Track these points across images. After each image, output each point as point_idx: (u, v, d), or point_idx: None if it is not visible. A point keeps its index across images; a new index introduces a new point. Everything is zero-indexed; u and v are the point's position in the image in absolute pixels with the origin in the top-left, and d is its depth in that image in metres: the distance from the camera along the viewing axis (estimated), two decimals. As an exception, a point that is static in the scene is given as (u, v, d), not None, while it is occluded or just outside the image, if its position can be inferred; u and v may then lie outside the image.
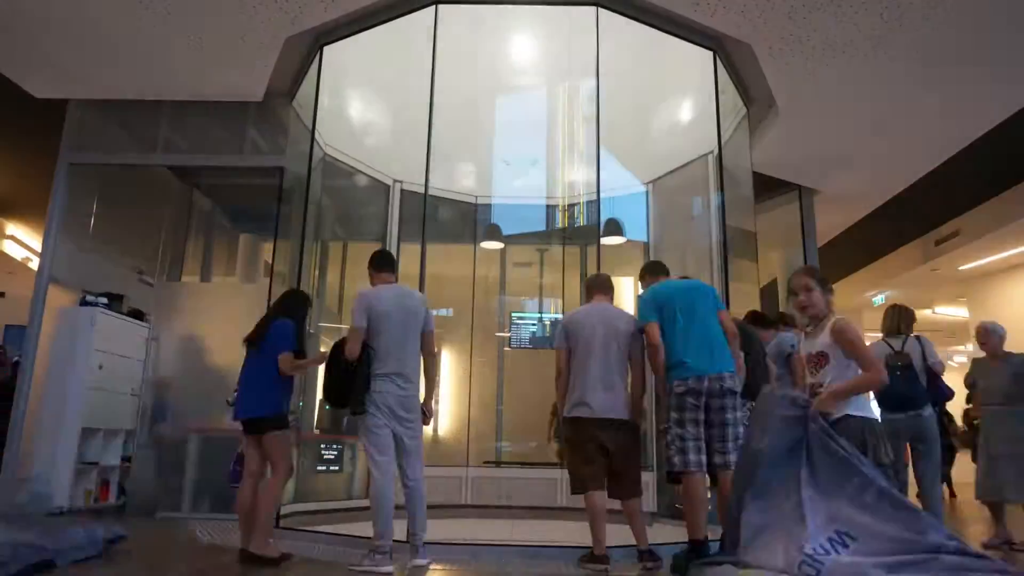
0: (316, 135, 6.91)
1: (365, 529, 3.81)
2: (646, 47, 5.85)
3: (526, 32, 6.26)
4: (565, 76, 7.00)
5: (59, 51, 5.31)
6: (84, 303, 6.10)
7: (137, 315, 6.56)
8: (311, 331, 7.81)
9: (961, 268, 9.38)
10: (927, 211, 8.65)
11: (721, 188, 5.44)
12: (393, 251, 7.88)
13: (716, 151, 6.81)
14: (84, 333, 5.94)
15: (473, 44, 6.05)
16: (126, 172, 6.83)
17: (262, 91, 5.86)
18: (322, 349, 7.89)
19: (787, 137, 6.45)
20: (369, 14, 5.09)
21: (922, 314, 11.60)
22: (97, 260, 6.79)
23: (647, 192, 7.99)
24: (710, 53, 5.53)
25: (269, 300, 5.86)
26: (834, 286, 10.52)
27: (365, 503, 6.99)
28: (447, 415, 8.67)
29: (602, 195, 8.44)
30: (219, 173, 7.30)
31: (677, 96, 6.92)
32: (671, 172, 7.58)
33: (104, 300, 6.34)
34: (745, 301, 6.97)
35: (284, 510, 5.96)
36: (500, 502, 7.50)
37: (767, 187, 7.88)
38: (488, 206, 8.66)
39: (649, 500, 7.27)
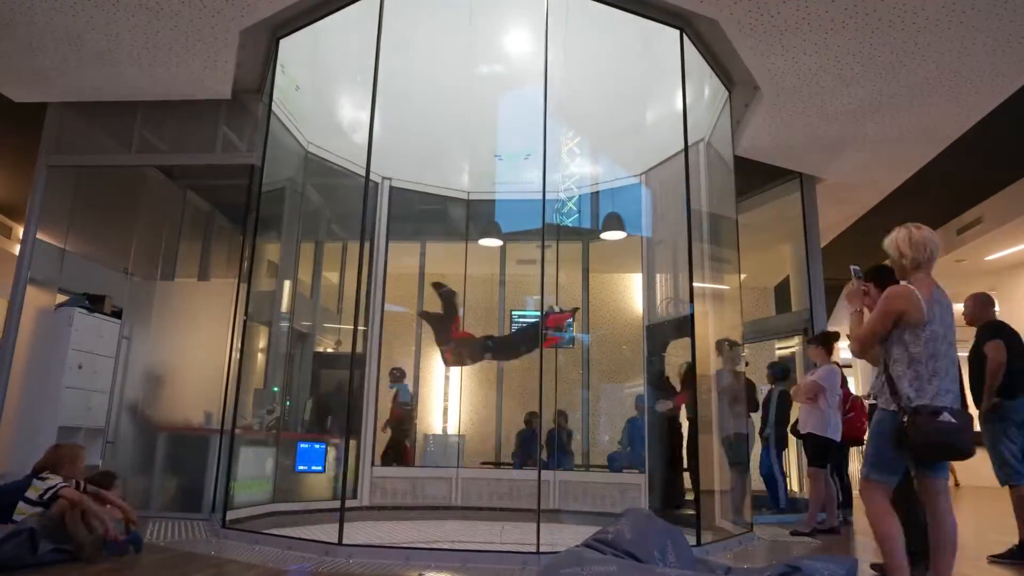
0: (297, 134, 6.91)
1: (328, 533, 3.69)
2: (637, 35, 5.62)
3: (515, 21, 6.10)
4: (558, 67, 6.78)
5: (24, 55, 5.36)
6: (64, 304, 6.19)
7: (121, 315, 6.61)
8: (306, 332, 7.81)
9: (988, 258, 8.80)
10: (946, 198, 8.15)
11: (687, 175, 5.19)
12: (381, 250, 7.80)
13: (707, 137, 6.55)
14: (62, 333, 6.02)
15: (460, 35, 5.90)
16: (117, 175, 6.91)
17: (228, 88, 5.82)
18: (321, 350, 7.90)
19: (775, 120, 6.12)
20: (319, 4, 4.99)
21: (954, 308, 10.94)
22: (85, 261, 6.89)
23: (640, 183, 7.73)
24: (694, 37, 5.31)
25: (237, 299, 5.83)
26: (854, 281, 10.03)
27: (350, 504, 6.96)
28: (440, 417, 8.55)
29: (599, 187, 8.35)
30: (213, 175, 7.34)
31: (667, 84, 6.66)
32: (663, 162, 7.31)
33: (86, 300, 6.42)
34: (733, 295, 6.66)
35: (260, 510, 5.93)
36: (492, 504, 7.34)
37: (768, 176, 7.53)
38: (481, 202, 8.50)
39: (642, 503, 7.01)
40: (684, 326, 6.77)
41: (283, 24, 5.22)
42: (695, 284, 6.71)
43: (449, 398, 9.34)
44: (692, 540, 4.35)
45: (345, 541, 3.95)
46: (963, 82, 5.41)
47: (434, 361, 9.32)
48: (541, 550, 3.72)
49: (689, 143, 6.62)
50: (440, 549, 3.86)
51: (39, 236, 6.16)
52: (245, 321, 5.10)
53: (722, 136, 6.26)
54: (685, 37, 5.21)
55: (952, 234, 8.66)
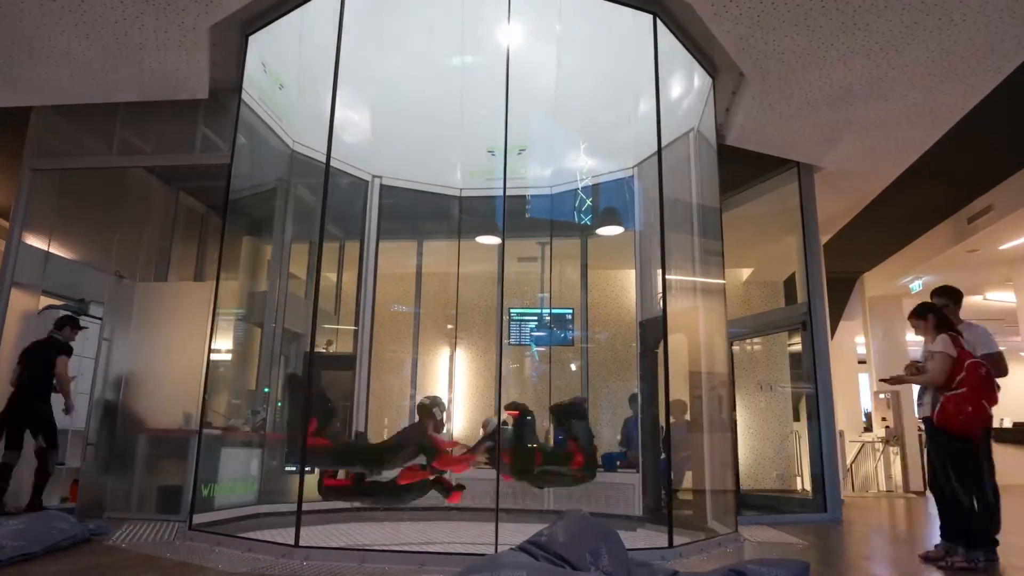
0: (282, 133, 6.87)
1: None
2: (630, 26, 5.49)
3: (505, 15, 5.99)
4: (552, 60, 6.65)
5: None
6: (50, 306, 6.22)
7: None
8: (300, 332, 7.78)
9: (1002, 248, 8.45)
10: (954, 186, 7.84)
11: (659, 168, 5.03)
12: (371, 249, 7.75)
13: (696, 127, 6.38)
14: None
15: (450, 31, 5.82)
16: (106, 177, 6.94)
17: (205, 88, 5.79)
18: (317, 350, 7.86)
19: (763, 107, 5.93)
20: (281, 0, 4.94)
21: (971, 301, 10.57)
22: (75, 263, 6.93)
23: (633, 176, 7.56)
24: (669, 22, 5.16)
25: (215, 300, 5.78)
26: (865, 274, 9.82)
27: (344, 504, 6.90)
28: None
29: (590, 181, 8.19)
30: (206, 176, 7.33)
31: (665, 76, 6.51)
32: (655, 154, 7.12)
33: (73, 303, 6.46)
34: (722, 289, 6.48)
35: (247, 511, 5.89)
36: (486, 504, 7.21)
37: (768, 165, 7.31)
38: (475, 199, 8.39)
39: (636, 503, 6.86)
40: (679, 322, 6.61)
41: (251, 20, 5.17)
42: (684, 278, 6.56)
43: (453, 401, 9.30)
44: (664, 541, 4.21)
45: (304, 543, 3.88)
46: (956, 62, 5.17)
47: (433, 361, 9.27)
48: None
49: (680, 133, 6.53)
50: (398, 551, 3.77)
51: (31, 240, 6.23)
52: (213, 320, 5.05)
53: (707, 125, 6.09)
54: (659, 22, 5.05)
55: (963, 223, 8.33)
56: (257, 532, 4.80)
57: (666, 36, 5.30)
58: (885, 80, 5.42)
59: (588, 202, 8.25)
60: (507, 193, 8.59)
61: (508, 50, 4.87)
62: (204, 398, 5.02)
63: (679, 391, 6.33)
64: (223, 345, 6.98)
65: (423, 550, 3.83)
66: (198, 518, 5.02)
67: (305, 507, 6.30)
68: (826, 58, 5.16)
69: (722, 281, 6.11)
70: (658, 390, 7.11)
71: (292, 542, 3.82)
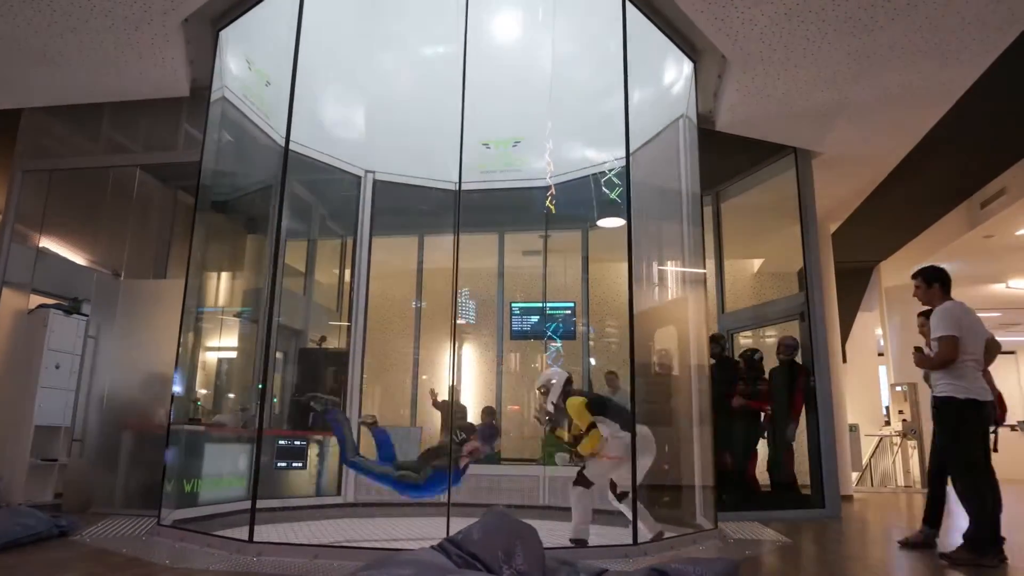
0: (269, 129, 6.87)
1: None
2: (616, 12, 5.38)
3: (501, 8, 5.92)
4: (546, 50, 6.53)
5: (-17, 60, 5.47)
6: (42, 306, 6.32)
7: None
8: (299, 329, 7.81)
9: (1019, 233, 8.09)
10: (965, 169, 7.51)
11: (627, 151, 4.88)
12: (365, 245, 7.72)
13: (686, 112, 6.21)
14: (38, 334, 6.13)
15: (445, 24, 5.76)
16: (98, 176, 7.04)
17: (186, 86, 5.82)
18: (318, 347, 7.88)
19: (750, 90, 5.73)
20: (246, -8, 4.92)
21: (994, 289, 10.17)
22: (66, 261, 7.03)
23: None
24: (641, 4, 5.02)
25: (184, 297, 5.79)
26: (881, 264, 9.46)
27: (338, 500, 6.91)
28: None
29: (587, 172, 8.04)
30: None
31: (649, 63, 6.36)
32: (647, 143, 6.97)
33: (66, 302, 6.55)
34: (718, 279, 6.30)
35: (236, 507, 5.92)
36: (481, 500, 7.17)
37: (765, 152, 7.10)
38: (470, 193, 8.29)
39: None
40: (667, 313, 6.46)
41: (220, 16, 5.17)
42: (676, 269, 6.40)
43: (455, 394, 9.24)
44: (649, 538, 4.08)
45: (266, 540, 3.86)
46: (947, 38, 4.92)
47: (435, 358, 9.23)
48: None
49: (669, 120, 6.37)
50: (350, 547, 3.72)
51: (22, 240, 6.33)
52: (183, 317, 5.08)
53: (693, 111, 5.92)
54: (631, 5, 4.92)
55: (976, 208, 7.99)
56: (239, 529, 4.81)
57: (647, 22, 5.17)
58: (873, 59, 5.19)
59: (613, 196, 8.09)
60: (508, 186, 8.55)
61: (465, 33, 4.76)
62: (172, 394, 5.05)
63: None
64: (215, 342, 7.02)
65: (379, 547, 3.77)
66: (182, 514, 5.06)
67: (301, 503, 6.38)
68: (808, 37, 4.96)
69: (703, 271, 5.93)
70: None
71: (243, 537, 3.80)
